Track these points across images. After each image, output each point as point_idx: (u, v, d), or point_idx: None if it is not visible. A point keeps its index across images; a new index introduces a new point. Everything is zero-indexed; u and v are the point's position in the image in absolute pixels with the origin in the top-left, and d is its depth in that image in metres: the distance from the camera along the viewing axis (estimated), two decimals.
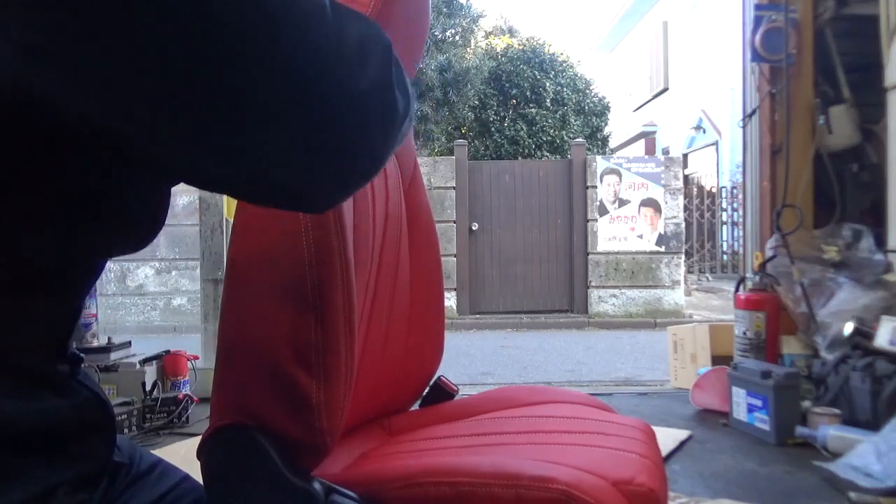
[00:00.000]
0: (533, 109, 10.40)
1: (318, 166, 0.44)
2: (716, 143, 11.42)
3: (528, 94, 10.48)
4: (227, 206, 3.15)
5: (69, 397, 0.52)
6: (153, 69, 0.37)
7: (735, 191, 9.58)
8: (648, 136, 14.58)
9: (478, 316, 7.46)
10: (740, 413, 2.49)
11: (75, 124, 0.40)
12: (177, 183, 0.52)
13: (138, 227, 0.52)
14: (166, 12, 0.36)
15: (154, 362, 2.84)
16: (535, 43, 11.25)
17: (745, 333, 2.77)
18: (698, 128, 12.10)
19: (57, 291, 0.50)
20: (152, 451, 0.72)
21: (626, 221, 7.37)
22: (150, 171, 0.48)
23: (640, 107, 15.23)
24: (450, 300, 7.30)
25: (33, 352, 0.49)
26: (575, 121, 10.70)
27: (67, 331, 0.54)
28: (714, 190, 10.31)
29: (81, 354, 0.58)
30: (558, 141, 10.35)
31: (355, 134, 0.44)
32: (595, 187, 7.39)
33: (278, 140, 0.41)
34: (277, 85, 0.39)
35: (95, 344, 2.81)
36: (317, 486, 0.65)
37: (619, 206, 7.38)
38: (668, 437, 2.34)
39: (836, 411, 2.30)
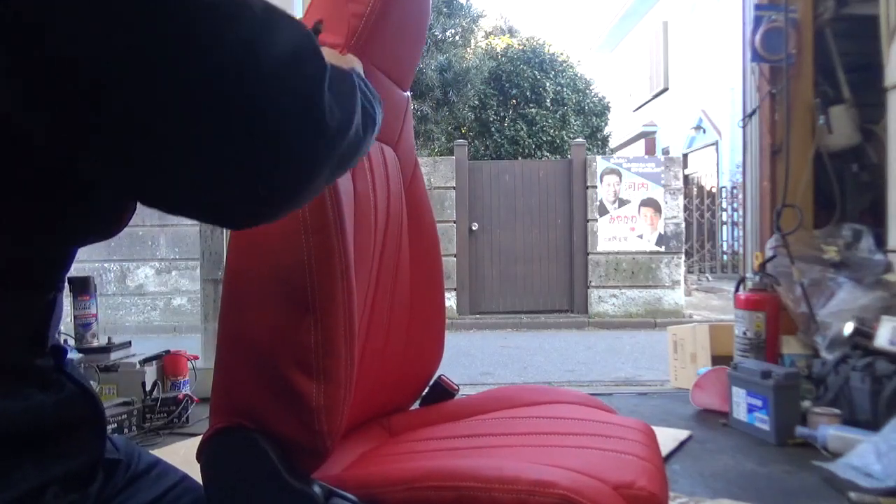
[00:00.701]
0: (533, 109, 10.40)
1: (222, 184, 0.43)
2: (716, 143, 11.42)
3: (528, 94, 10.47)
4: None
5: (53, 392, 0.51)
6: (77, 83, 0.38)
7: (735, 191, 9.57)
8: (648, 136, 14.57)
9: (478, 316, 7.46)
10: (740, 413, 2.49)
11: (20, 127, 0.41)
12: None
13: (108, 214, 0.51)
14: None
15: (154, 362, 2.83)
16: (535, 43, 11.24)
17: (745, 333, 2.76)
18: (698, 128, 12.09)
19: (28, 283, 0.50)
20: (152, 452, 0.72)
21: (626, 221, 7.37)
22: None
23: (640, 107, 15.23)
24: (450, 300, 7.30)
25: (12, 346, 0.49)
26: (575, 121, 10.69)
27: (45, 323, 0.53)
28: (714, 190, 10.31)
29: (66, 346, 0.57)
30: (558, 141, 10.34)
31: (271, 155, 0.43)
32: (595, 187, 7.39)
33: (175, 151, 0.41)
34: (192, 95, 0.39)
35: (95, 344, 2.81)
36: (316, 488, 0.65)
37: (619, 206, 7.38)
38: (668, 437, 2.34)
39: (836, 411, 2.30)
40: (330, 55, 0.66)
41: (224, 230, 3.13)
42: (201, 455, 0.67)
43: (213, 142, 0.41)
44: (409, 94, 1.03)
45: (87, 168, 0.43)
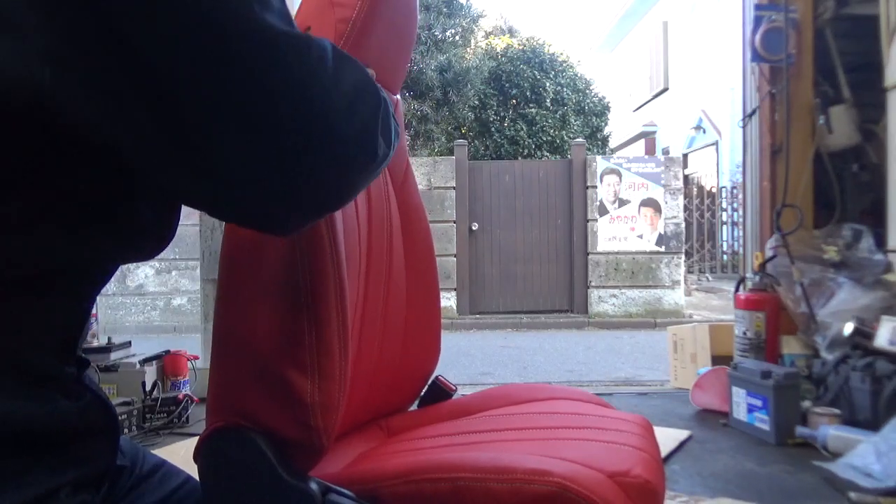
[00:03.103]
0: (533, 109, 10.39)
1: (292, 196, 0.49)
2: (716, 143, 11.42)
3: (528, 94, 10.47)
4: None
5: (75, 399, 0.53)
6: (161, 89, 0.43)
7: (735, 191, 9.57)
8: (648, 136, 14.57)
9: (478, 316, 7.46)
10: (740, 413, 2.49)
11: (82, 129, 0.44)
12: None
13: (150, 234, 0.54)
14: (181, 47, 0.42)
15: (154, 362, 2.83)
16: (535, 43, 11.23)
17: (745, 333, 2.76)
18: (698, 128, 12.09)
19: (70, 293, 0.51)
20: (151, 452, 0.72)
21: (626, 221, 7.37)
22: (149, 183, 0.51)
23: (640, 107, 15.22)
24: (450, 300, 7.30)
25: (44, 351, 0.50)
26: (575, 121, 10.68)
27: (78, 332, 0.54)
28: (714, 190, 10.31)
29: (87, 357, 0.58)
30: (558, 141, 10.34)
31: (333, 174, 0.50)
32: (595, 187, 7.39)
33: (260, 167, 0.46)
34: (273, 123, 0.45)
35: (95, 344, 2.81)
36: (313, 485, 0.64)
37: (619, 206, 7.37)
38: (668, 437, 2.34)
39: (836, 411, 2.30)
40: None
41: (222, 230, 3.12)
42: (199, 455, 0.67)
43: (281, 162, 0.47)
44: (398, 96, 1.03)
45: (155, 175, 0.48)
